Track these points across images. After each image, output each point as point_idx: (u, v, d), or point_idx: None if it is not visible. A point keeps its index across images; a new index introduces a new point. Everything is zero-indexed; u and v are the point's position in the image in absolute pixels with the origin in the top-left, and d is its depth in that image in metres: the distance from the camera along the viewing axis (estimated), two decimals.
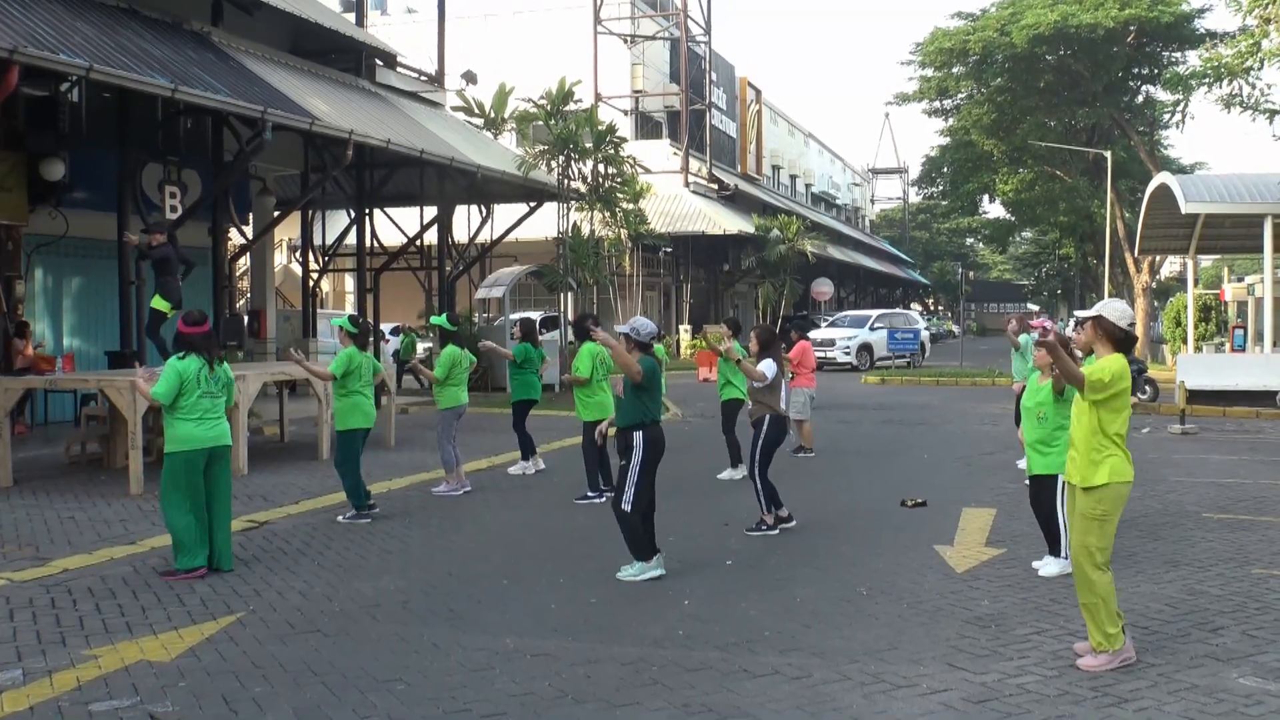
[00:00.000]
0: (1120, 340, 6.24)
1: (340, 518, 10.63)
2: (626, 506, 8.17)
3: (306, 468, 13.92)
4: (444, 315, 13.06)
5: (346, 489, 10.70)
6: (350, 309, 36.43)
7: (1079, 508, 6.28)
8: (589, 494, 11.59)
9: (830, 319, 43.49)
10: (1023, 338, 13.30)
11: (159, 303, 14.12)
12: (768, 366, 10.07)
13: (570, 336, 25.99)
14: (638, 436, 8.21)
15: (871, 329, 37.85)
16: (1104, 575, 6.20)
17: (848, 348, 36.47)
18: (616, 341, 8.40)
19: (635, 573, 8.21)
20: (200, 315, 8.83)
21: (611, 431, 9.24)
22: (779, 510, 10.11)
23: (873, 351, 37.11)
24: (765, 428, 10.03)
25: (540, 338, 15.60)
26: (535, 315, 30.79)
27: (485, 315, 28.15)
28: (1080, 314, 6.67)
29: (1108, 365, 6.15)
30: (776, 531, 9.90)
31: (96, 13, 15.66)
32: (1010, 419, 14.82)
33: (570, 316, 27.49)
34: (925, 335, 39.95)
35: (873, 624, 7.11)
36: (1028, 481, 8.85)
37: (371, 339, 21.96)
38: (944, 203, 63.36)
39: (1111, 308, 6.35)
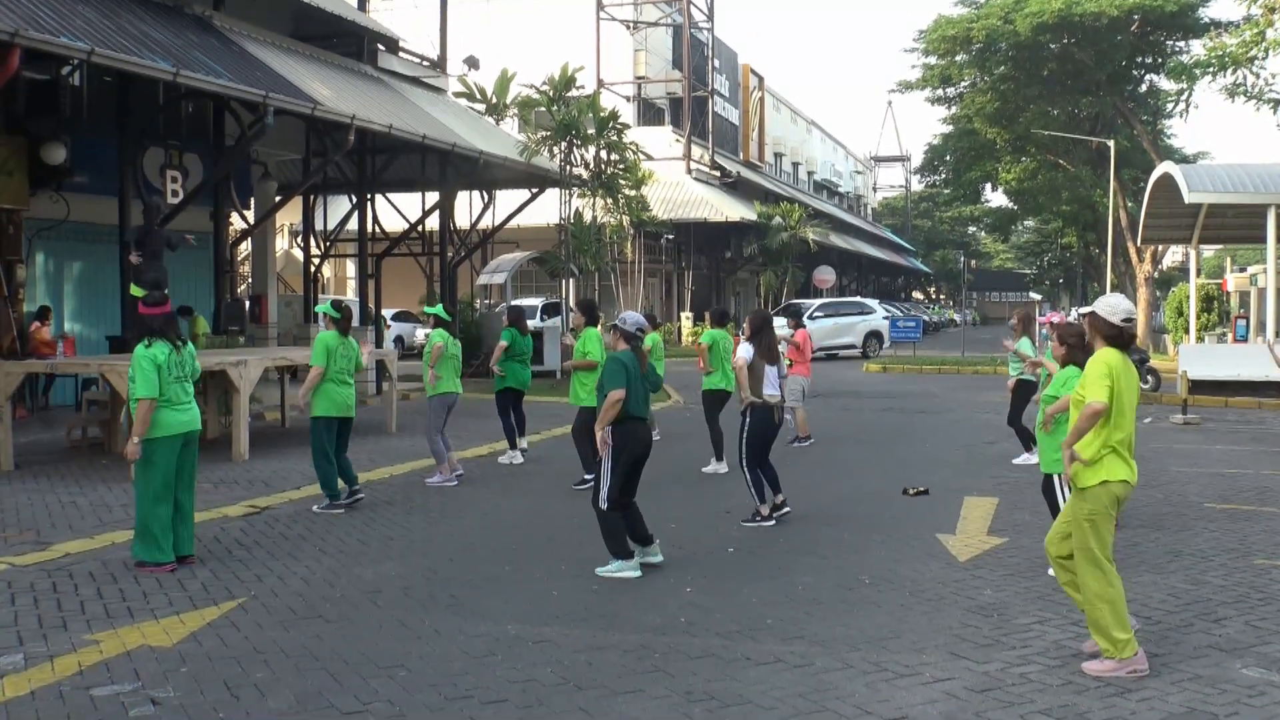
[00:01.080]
0: (1110, 336, 6.14)
1: (315, 508, 10.45)
2: (603, 505, 8.05)
3: (308, 453, 13.84)
4: (439, 305, 13.05)
5: (319, 479, 10.50)
6: (352, 295, 36.42)
7: (1072, 508, 6.18)
8: (586, 478, 11.53)
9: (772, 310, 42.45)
10: (1022, 342, 13.22)
11: (135, 290, 14.11)
12: (743, 350, 9.94)
13: (572, 324, 26.01)
14: (608, 432, 8.07)
15: (810, 318, 36.98)
16: (1102, 576, 6.02)
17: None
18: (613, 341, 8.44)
19: (614, 569, 8.02)
20: (161, 296, 8.52)
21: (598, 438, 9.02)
22: (776, 498, 10.07)
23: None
24: (749, 418, 9.91)
25: (543, 324, 15.53)
26: (535, 301, 30.79)
27: (487, 301, 28.14)
28: (1082, 309, 6.70)
29: (1085, 377, 6.07)
30: (772, 522, 9.87)
31: None
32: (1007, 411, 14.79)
33: (571, 304, 27.50)
34: (884, 325, 38.51)
35: (875, 612, 7.10)
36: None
37: (372, 326, 22.15)
38: (946, 191, 63.20)
39: (1105, 303, 6.26)
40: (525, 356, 13.82)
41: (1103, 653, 6.01)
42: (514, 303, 15.71)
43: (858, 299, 44.24)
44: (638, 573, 8.03)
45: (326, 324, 10.89)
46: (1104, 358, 6.06)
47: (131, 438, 8.19)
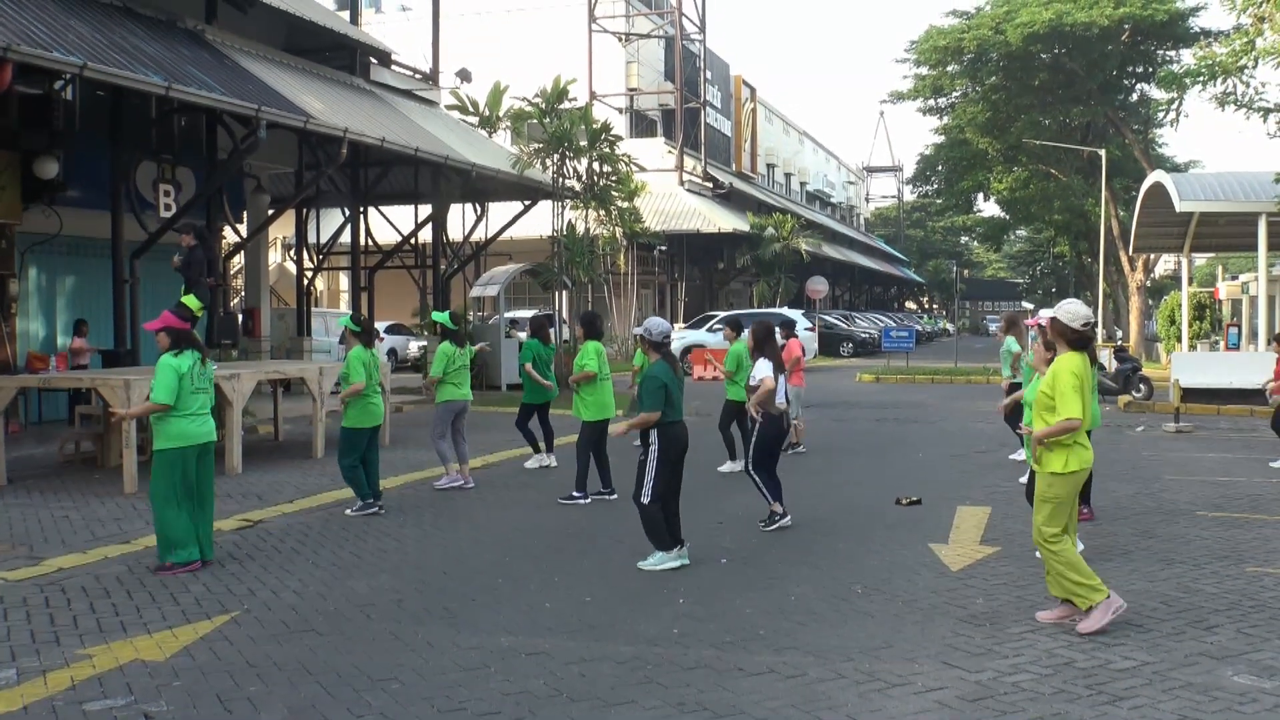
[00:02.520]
0: (1073, 340, 6.68)
1: (349, 510, 10.77)
2: (645, 499, 8.42)
3: (301, 466, 13.91)
4: (446, 313, 13.03)
5: (351, 484, 10.81)
6: (345, 308, 36.42)
7: (1036, 491, 6.77)
8: (574, 494, 11.49)
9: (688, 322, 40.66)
10: (1007, 341, 13.50)
11: (191, 301, 14.09)
12: (763, 368, 10.03)
13: (566, 335, 25.99)
14: (653, 433, 8.48)
15: (711, 330, 35.63)
16: (1059, 546, 6.70)
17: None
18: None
19: (655, 562, 8.42)
20: (189, 311, 8.88)
21: (620, 428, 9.14)
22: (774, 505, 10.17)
23: None
24: (762, 426, 10.03)
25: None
26: (529, 314, 30.71)
27: (480, 314, 28.13)
28: (1045, 313, 7.13)
29: (1057, 393, 6.61)
30: (789, 520, 9.99)
31: (91, 10, 15.62)
32: (1001, 416, 14.87)
33: (565, 315, 27.48)
34: (805, 338, 36.83)
35: (867, 622, 7.11)
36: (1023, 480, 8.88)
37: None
38: (939, 201, 63.33)
39: (1065, 309, 6.79)
40: (548, 366, 13.91)
41: (1081, 607, 6.62)
42: (535, 313, 15.63)
43: (779, 310, 39.79)
44: (679, 562, 8.42)
45: (349, 338, 11.17)
46: (1070, 367, 6.63)
47: (130, 410, 8.76)
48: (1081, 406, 6.55)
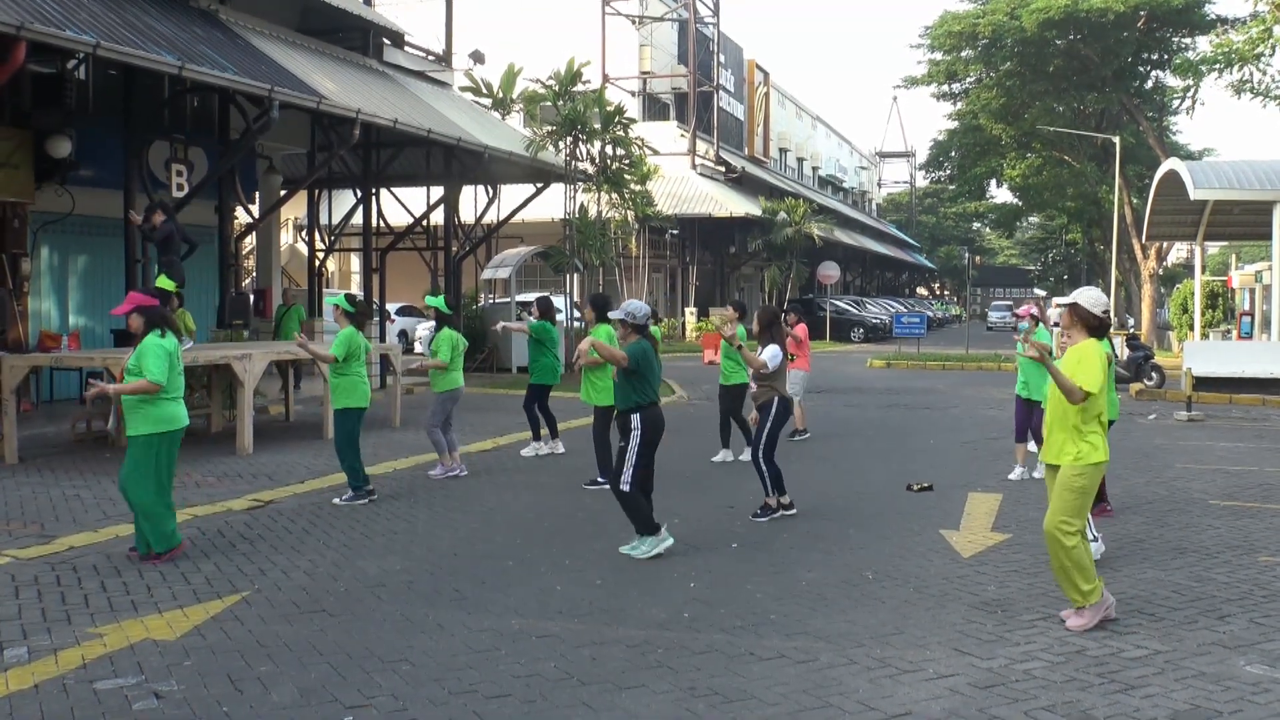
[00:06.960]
0: (1094, 327, 6.77)
1: (337, 499, 10.56)
2: (625, 486, 8.34)
3: (311, 447, 13.93)
4: (440, 297, 12.89)
5: (345, 470, 10.64)
6: (356, 289, 36.41)
7: (1059, 481, 6.66)
8: (599, 479, 11.45)
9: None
10: (1038, 331, 13.43)
11: (164, 282, 14.02)
12: (771, 355, 9.90)
13: (577, 317, 25.95)
14: (635, 419, 8.39)
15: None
16: (1076, 540, 6.57)
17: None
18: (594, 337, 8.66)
19: (648, 549, 8.33)
20: (155, 290, 8.67)
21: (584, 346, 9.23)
22: (782, 496, 10.07)
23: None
24: (773, 411, 9.89)
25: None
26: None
27: (491, 296, 28.11)
28: (1059, 300, 7.18)
29: (1083, 366, 6.57)
30: (793, 511, 9.88)
31: None
32: (1012, 404, 14.85)
33: (576, 298, 27.43)
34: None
35: (878, 608, 7.10)
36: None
37: (374, 319, 22.15)
38: (951, 187, 63.14)
39: (1086, 295, 6.88)
40: (556, 348, 13.75)
41: (1075, 605, 6.66)
42: (544, 294, 15.44)
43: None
44: (671, 540, 8.40)
45: (340, 318, 10.85)
46: (1097, 350, 6.66)
47: (114, 388, 8.28)
48: (1099, 385, 6.54)
